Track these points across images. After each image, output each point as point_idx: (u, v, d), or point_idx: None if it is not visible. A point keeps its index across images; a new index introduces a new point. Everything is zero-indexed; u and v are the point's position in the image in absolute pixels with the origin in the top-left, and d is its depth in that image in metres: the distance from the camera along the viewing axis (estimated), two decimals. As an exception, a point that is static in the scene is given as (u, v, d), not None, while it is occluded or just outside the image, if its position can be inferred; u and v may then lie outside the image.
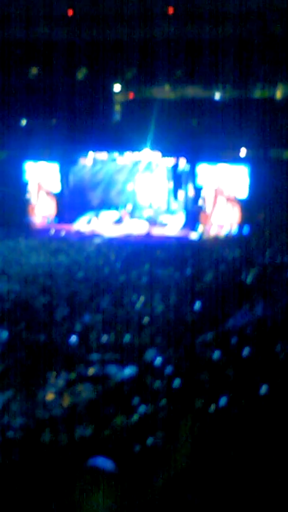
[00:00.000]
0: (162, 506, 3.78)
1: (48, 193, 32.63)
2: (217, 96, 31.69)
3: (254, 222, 28.75)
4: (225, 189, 29.92)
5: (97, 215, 31.96)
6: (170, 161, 31.22)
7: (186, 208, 31.54)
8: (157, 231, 29.84)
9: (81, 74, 33.50)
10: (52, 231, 30.50)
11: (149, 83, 32.32)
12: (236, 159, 29.73)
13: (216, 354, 11.49)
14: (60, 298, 17.49)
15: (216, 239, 28.10)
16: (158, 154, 30.92)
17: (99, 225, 31.02)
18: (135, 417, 9.46)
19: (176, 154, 30.72)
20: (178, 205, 32.20)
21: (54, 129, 32.73)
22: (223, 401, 9.13)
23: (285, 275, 18.40)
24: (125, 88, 33.09)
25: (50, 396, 10.74)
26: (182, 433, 3.59)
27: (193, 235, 28.97)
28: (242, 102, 30.47)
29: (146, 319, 15.31)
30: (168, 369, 11.18)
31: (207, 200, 30.18)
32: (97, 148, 31.82)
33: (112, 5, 31.53)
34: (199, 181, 30.28)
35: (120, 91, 33.27)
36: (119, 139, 31.32)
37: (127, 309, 16.52)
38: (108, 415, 9.66)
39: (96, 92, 32.55)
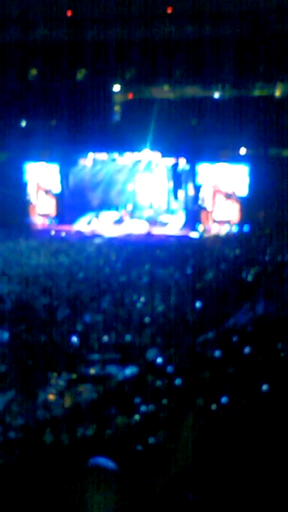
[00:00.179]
0: (163, 506, 3.77)
1: (48, 194, 32.65)
2: (217, 95, 31.69)
3: (254, 221, 28.77)
4: (225, 188, 29.94)
5: (97, 216, 31.98)
6: (170, 161, 31.23)
7: (186, 207, 31.54)
8: (157, 231, 29.85)
9: (80, 74, 33.49)
10: (53, 232, 30.51)
11: (148, 83, 32.33)
12: (236, 158, 29.74)
13: (217, 353, 11.51)
14: (61, 299, 17.50)
15: (216, 238, 28.11)
16: (158, 154, 30.93)
17: (100, 225, 31.04)
18: (136, 416, 9.47)
19: (176, 153, 30.73)
20: (178, 205, 32.21)
21: (54, 130, 32.72)
22: (224, 400, 9.14)
23: (285, 273, 18.41)
24: (124, 89, 33.09)
25: (51, 397, 10.75)
26: (184, 432, 3.57)
27: (194, 235, 28.98)
28: (242, 102, 30.46)
29: (147, 319, 15.33)
30: (169, 369, 11.20)
31: (207, 199, 30.20)
32: (97, 148, 31.84)
33: (111, 5, 31.54)
34: (199, 180, 30.29)
35: (120, 92, 33.28)
36: (119, 139, 31.32)
37: (128, 309, 16.53)
38: (110, 415, 9.67)
39: (95, 93, 32.53)
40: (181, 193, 31.83)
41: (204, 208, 30.22)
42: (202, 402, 9.12)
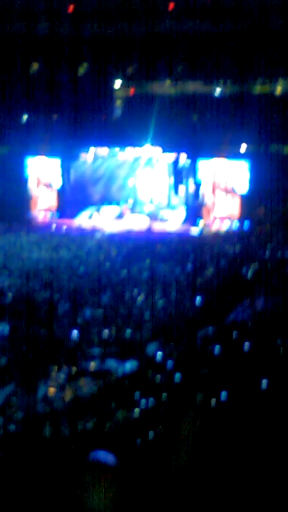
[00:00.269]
0: (163, 500, 3.82)
1: (49, 188, 32.67)
2: (218, 91, 31.69)
3: (255, 217, 28.78)
4: (225, 184, 29.96)
5: (98, 210, 31.99)
6: (171, 156, 31.25)
7: (186, 203, 31.55)
8: (158, 226, 29.86)
9: (82, 69, 33.48)
10: (53, 226, 30.54)
11: (149, 78, 32.31)
12: (236, 155, 29.76)
13: (217, 349, 11.55)
14: (62, 293, 17.55)
15: (216, 234, 28.15)
16: (158, 149, 30.94)
17: (100, 220, 31.05)
18: (136, 411, 9.51)
19: (177, 149, 30.74)
20: (178, 200, 32.22)
21: (55, 124, 32.75)
22: (224, 395, 9.18)
23: (285, 270, 18.45)
24: (125, 84, 33.09)
25: (51, 390, 10.80)
26: (183, 427, 3.62)
27: (194, 230, 29.00)
28: (243, 98, 30.46)
29: (147, 314, 15.38)
30: (169, 364, 11.24)
31: (207, 195, 30.22)
32: (98, 143, 31.84)
33: (112, 1, 31.51)
34: (200, 176, 30.31)
35: (121, 87, 33.27)
36: (120, 134, 31.32)
37: (128, 304, 16.58)
38: (109, 409, 9.72)
39: (96, 88, 32.53)
40: (181, 188, 31.84)
41: (205, 204, 30.24)
42: (201, 397, 9.16)
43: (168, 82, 32.40)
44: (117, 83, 33.29)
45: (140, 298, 16.93)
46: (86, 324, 14.90)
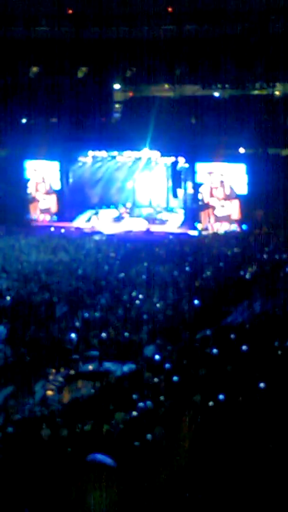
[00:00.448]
0: (162, 501, 3.85)
1: (49, 191, 32.67)
2: (216, 94, 31.72)
3: (253, 219, 28.78)
4: (223, 187, 29.96)
5: (97, 213, 32.01)
6: (169, 159, 31.24)
7: (185, 205, 31.55)
8: (156, 229, 29.87)
9: (81, 73, 33.53)
10: (52, 229, 30.55)
11: (148, 82, 32.35)
12: (235, 157, 29.75)
13: (215, 350, 11.57)
14: (60, 295, 17.57)
15: (215, 236, 28.15)
16: (157, 152, 30.94)
17: (99, 222, 31.06)
18: (134, 412, 9.54)
19: (175, 152, 30.73)
20: (177, 203, 32.22)
21: (54, 127, 32.76)
22: (221, 396, 9.20)
23: (283, 272, 18.45)
24: (124, 87, 33.13)
25: (50, 392, 10.83)
26: (181, 428, 3.64)
27: (192, 232, 29.00)
28: (241, 101, 30.49)
29: (145, 316, 15.40)
30: (167, 365, 11.26)
31: (205, 197, 30.23)
32: (97, 146, 31.85)
33: (112, 4, 31.55)
34: (198, 179, 30.30)
35: (120, 90, 33.31)
36: (119, 137, 31.33)
37: (126, 306, 16.60)
38: (108, 411, 9.74)
39: (96, 91, 32.57)
40: (180, 191, 31.82)
41: (203, 207, 30.24)
42: (199, 398, 9.18)
43: (166, 85, 32.47)
44: (116, 86, 33.33)
45: (138, 300, 16.96)
46: (84, 326, 14.92)
